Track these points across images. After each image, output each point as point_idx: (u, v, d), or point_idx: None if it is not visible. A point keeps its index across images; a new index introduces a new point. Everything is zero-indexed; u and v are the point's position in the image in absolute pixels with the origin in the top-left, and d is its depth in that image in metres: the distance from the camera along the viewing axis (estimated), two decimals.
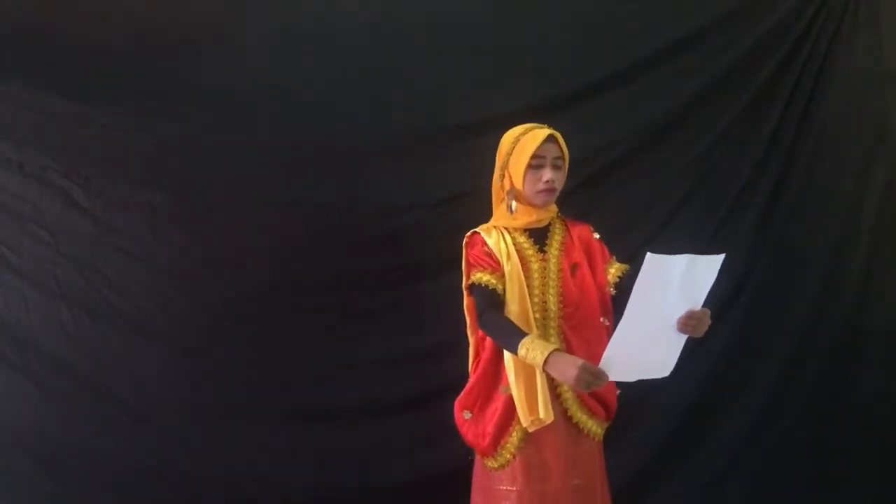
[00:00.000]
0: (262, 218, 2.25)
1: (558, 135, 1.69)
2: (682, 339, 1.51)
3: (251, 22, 2.28)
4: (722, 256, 1.41)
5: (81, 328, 2.20)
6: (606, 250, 1.73)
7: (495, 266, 1.65)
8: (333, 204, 2.27)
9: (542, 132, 1.66)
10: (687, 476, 2.31)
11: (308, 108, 2.26)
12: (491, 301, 1.62)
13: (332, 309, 2.27)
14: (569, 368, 1.43)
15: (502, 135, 1.76)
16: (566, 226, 1.76)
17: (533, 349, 1.48)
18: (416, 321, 2.25)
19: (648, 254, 1.35)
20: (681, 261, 1.39)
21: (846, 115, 2.29)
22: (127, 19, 2.22)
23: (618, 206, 2.30)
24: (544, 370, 1.48)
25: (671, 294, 1.43)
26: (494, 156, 1.76)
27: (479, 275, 1.65)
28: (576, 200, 2.19)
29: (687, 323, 1.47)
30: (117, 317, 2.20)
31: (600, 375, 1.42)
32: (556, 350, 1.48)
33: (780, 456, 2.30)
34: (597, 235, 1.75)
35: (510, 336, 1.55)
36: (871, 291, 2.30)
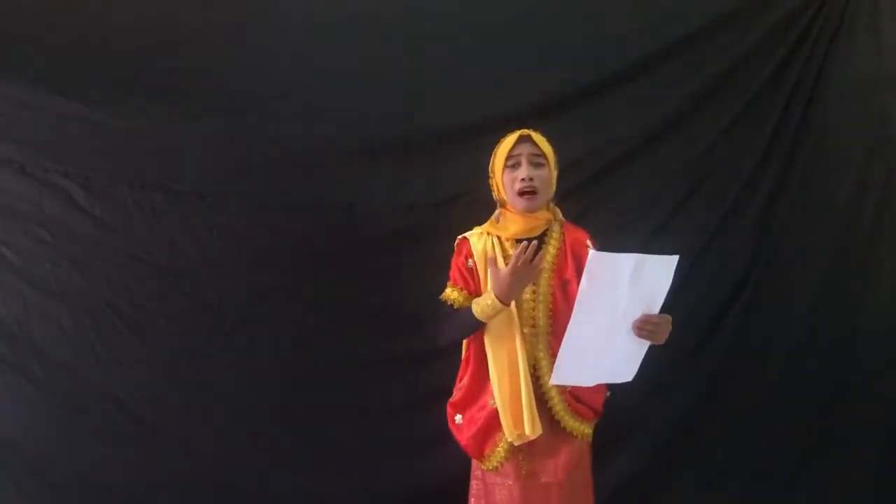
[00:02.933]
0: (261, 218, 2.25)
1: (534, 133, 1.69)
2: (643, 345, 1.50)
3: (251, 22, 2.28)
4: (675, 258, 1.41)
5: (81, 328, 2.20)
6: None
7: (468, 283, 1.69)
8: (333, 204, 2.27)
9: (516, 133, 1.69)
10: (686, 476, 2.31)
11: (308, 108, 2.26)
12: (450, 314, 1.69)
13: (331, 309, 2.27)
14: (504, 286, 1.51)
15: (502, 135, 1.77)
16: (563, 234, 1.73)
17: (480, 302, 1.57)
18: (415, 321, 2.24)
19: (591, 251, 1.36)
20: (628, 259, 1.38)
21: (846, 115, 2.29)
22: (128, 19, 2.22)
23: (617, 206, 2.30)
24: (502, 302, 1.54)
25: (621, 295, 1.41)
26: (493, 151, 1.77)
27: (449, 291, 1.71)
28: (575, 200, 2.19)
29: (642, 327, 1.47)
30: (117, 317, 2.20)
31: (521, 254, 1.49)
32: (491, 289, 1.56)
33: (779, 456, 2.30)
34: (592, 251, 1.72)
35: (461, 315, 1.63)
36: (870, 291, 2.29)
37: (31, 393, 2.18)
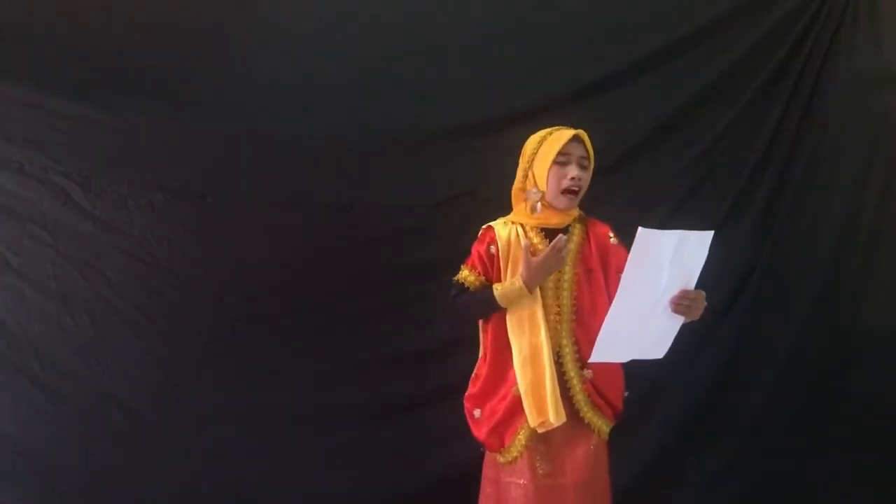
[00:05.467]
0: (262, 218, 2.26)
1: (584, 135, 1.69)
2: (678, 321, 1.51)
3: (251, 22, 2.28)
4: (711, 233, 1.42)
5: (81, 329, 2.20)
6: (626, 255, 1.69)
7: (487, 270, 1.69)
8: (334, 204, 2.27)
9: (569, 131, 1.68)
10: (688, 476, 2.30)
11: (308, 108, 2.26)
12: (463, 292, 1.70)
13: (332, 309, 2.27)
14: (533, 273, 1.56)
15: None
16: (586, 227, 1.74)
17: (505, 285, 1.61)
18: (416, 321, 2.24)
19: (640, 228, 1.36)
20: (672, 236, 1.39)
21: (846, 115, 2.29)
22: (127, 19, 2.22)
23: (618, 206, 2.29)
24: (529, 289, 1.58)
25: (663, 271, 1.43)
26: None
27: (465, 273, 1.71)
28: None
29: (680, 303, 1.47)
30: (117, 317, 2.20)
31: (557, 245, 1.54)
32: (520, 275, 1.59)
33: (780, 455, 2.30)
34: (614, 241, 1.72)
35: (482, 297, 1.65)
36: (870, 290, 2.29)
37: (31, 393, 2.17)
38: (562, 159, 1.66)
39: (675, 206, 2.31)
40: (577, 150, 1.67)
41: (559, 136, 1.67)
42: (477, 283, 1.69)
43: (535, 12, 2.31)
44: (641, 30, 2.31)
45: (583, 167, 1.67)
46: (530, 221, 1.71)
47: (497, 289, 1.63)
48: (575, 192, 1.66)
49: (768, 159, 2.31)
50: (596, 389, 1.65)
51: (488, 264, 1.69)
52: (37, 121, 2.19)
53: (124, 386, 2.20)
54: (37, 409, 2.18)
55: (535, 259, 1.57)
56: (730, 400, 2.31)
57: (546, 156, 1.66)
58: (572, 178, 1.65)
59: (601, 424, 1.66)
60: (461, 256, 1.75)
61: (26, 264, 2.19)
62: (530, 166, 1.70)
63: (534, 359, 1.60)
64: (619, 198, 2.30)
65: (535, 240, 1.69)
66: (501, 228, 1.72)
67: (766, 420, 2.30)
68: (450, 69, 2.28)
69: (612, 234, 1.74)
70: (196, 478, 2.22)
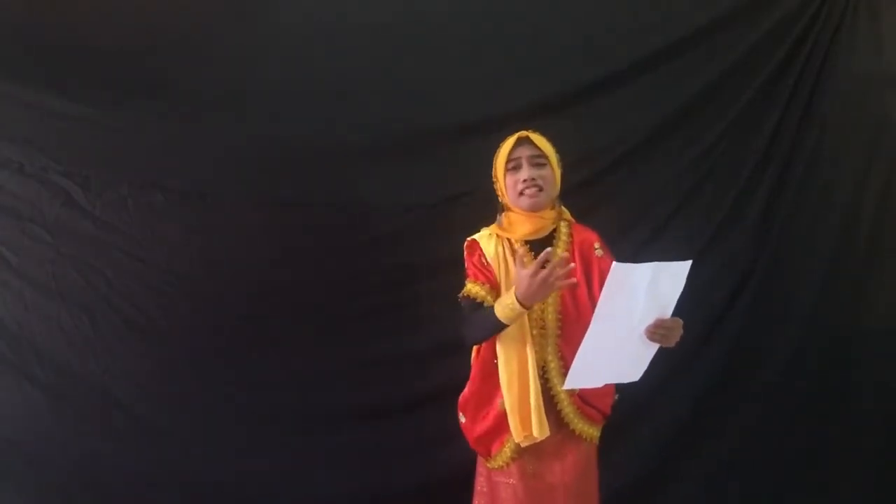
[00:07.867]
0: (261, 218, 2.25)
1: (532, 134, 1.68)
2: (653, 348, 1.52)
3: (252, 22, 2.28)
4: (688, 263, 1.42)
5: (81, 328, 2.20)
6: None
7: (488, 277, 1.66)
8: (334, 204, 2.27)
9: (514, 136, 1.69)
10: (687, 477, 2.30)
11: (308, 108, 2.26)
12: (474, 310, 1.65)
13: (331, 309, 2.26)
14: (523, 288, 1.47)
15: (502, 135, 1.76)
16: (572, 236, 1.72)
17: (502, 302, 1.54)
18: (416, 321, 2.24)
19: (615, 263, 1.38)
20: (647, 269, 1.39)
21: (846, 115, 2.29)
22: (127, 19, 2.22)
23: (618, 206, 2.29)
24: (524, 306, 1.51)
25: (638, 303, 1.43)
26: (494, 156, 1.77)
27: (470, 286, 1.67)
28: (576, 201, 2.18)
29: (655, 332, 1.47)
30: (117, 317, 2.20)
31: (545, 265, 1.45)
32: (514, 290, 1.52)
33: (781, 456, 2.30)
34: (599, 252, 1.70)
35: (483, 316, 1.60)
36: (870, 291, 2.30)
37: (29, 393, 2.17)
38: (511, 165, 1.67)
39: (675, 206, 2.31)
40: (525, 152, 1.66)
41: (505, 144, 1.69)
42: (483, 291, 1.64)
43: (536, 12, 2.31)
44: (641, 30, 2.31)
45: (537, 165, 1.66)
46: (512, 235, 1.69)
47: (497, 307, 1.56)
48: (534, 191, 1.64)
49: (768, 159, 2.31)
50: (584, 401, 1.65)
51: (488, 272, 1.67)
52: (37, 121, 2.19)
53: (124, 386, 2.20)
54: (37, 409, 2.18)
55: (521, 272, 1.50)
56: (729, 400, 2.31)
57: (500, 167, 1.69)
58: (524, 181, 1.64)
59: (592, 432, 1.67)
60: (461, 256, 1.75)
61: (26, 264, 2.19)
62: (497, 181, 1.72)
63: (519, 374, 1.60)
64: (620, 197, 2.31)
65: (521, 252, 1.65)
66: (486, 242, 1.69)
67: (766, 420, 2.30)
68: (450, 69, 2.28)
69: (597, 245, 1.71)
70: (196, 478, 2.22)
